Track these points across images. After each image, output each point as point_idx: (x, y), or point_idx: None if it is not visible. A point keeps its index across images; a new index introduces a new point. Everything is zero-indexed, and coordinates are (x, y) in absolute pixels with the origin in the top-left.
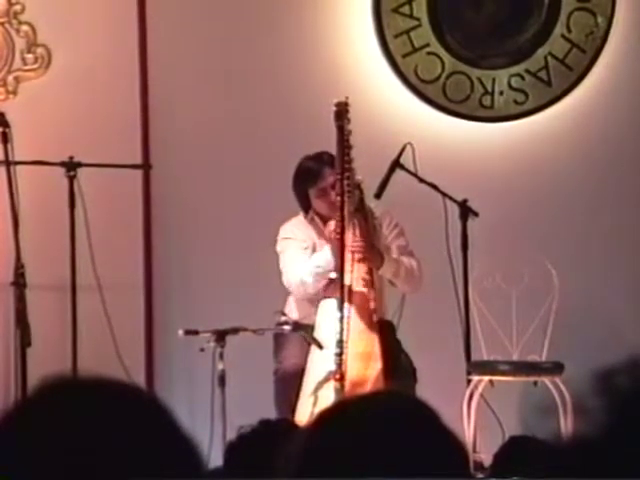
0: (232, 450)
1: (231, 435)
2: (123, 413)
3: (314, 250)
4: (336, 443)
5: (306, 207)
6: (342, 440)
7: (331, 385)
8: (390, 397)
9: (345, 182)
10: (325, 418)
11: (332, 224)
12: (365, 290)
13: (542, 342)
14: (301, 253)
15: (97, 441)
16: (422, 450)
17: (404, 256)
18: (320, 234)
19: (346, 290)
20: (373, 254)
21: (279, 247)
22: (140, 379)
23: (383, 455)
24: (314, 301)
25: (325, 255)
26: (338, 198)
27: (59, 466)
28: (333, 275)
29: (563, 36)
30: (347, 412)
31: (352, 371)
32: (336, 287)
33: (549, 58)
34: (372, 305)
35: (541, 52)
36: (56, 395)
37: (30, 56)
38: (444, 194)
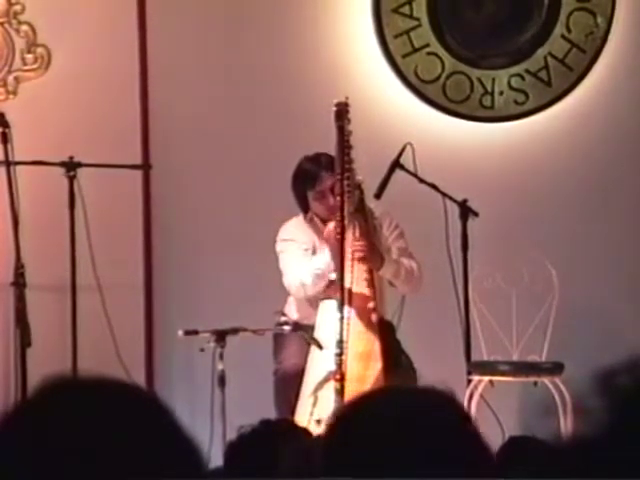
0: (232, 450)
1: (231, 435)
2: (124, 413)
3: (314, 251)
4: (361, 441)
5: (305, 208)
6: (366, 438)
7: (331, 385)
8: (421, 394)
9: (345, 182)
10: (345, 417)
11: (331, 225)
12: (365, 290)
13: (542, 342)
14: (301, 255)
15: (98, 441)
16: (448, 449)
17: (404, 258)
18: (319, 234)
19: (346, 290)
20: (373, 254)
21: (279, 248)
22: (140, 379)
23: (409, 453)
24: (314, 302)
25: (324, 257)
26: (338, 199)
27: (60, 466)
28: (333, 276)
29: (563, 36)
30: (369, 409)
31: (352, 371)
32: (336, 287)
33: (549, 58)
34: (372, 305)
35: (541, 52)
36: (57, 395)
37: (30, 56)
38: (444, 194)
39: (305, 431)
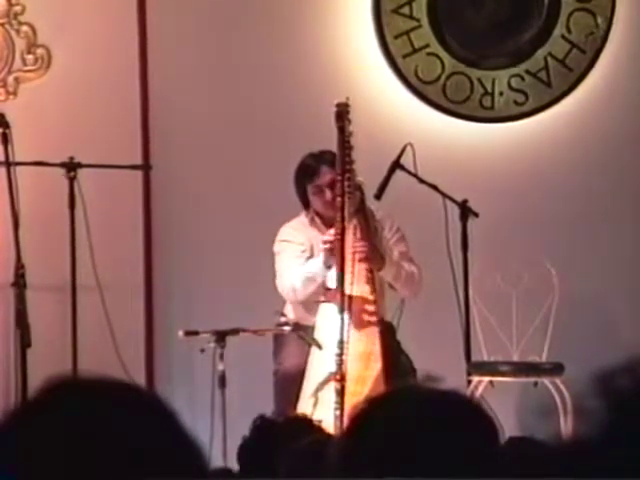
0: (248, 443)
1: (231, 436)
2: (125, 413)
3: (312, 253)
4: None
5: (306, 203)
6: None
7: (332, 386)
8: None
9: (346, 183)
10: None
11: (328, 234)
12: (366, 291)
13: (542, 343)
14: (296, 258)
15: (99, 441)
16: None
17: (405, 262)
18: (320, 233)
19: (347, 292)
20: (374, 255)
21: (276, 248)
22: (140, 379)
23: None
24: (309, 306)
25: (317, 263)
26: (338, 198)
27: (63, 466)
28: (331, 284)
29: (563, 37)
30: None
31: (352, 371)
32: (335, 293)
33: (549, 59)
34: (373, 306)
35: (541, 53)
36: (58, 395)
37: (30, 57)
38: (444, 195)
39: (320, 428)
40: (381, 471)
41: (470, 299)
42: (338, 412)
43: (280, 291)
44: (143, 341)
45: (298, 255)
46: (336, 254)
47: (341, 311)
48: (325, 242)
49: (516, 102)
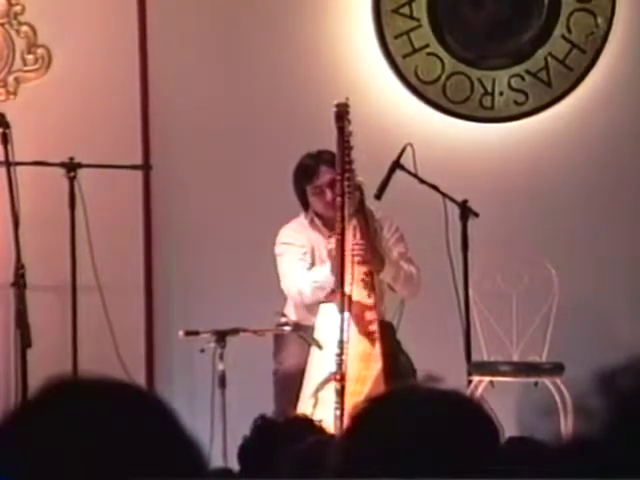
0: (248, 443)
1: (231, 436)
2: (125, 413)
3: (313, 254)
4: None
5: (305, 204)
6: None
7: (332, 386)
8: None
9: (345, 183)
10: (360, 420)
11: (333, 241)
12: (365, 293)
13: (542, 342)
14: (299, 260)
15: (99, 441)
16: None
17: (403, 262)
18: (320, 236)
19: (346, 292)
20: (374, 256)
21: (278, 250)
22: (140, 379)
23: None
24: (312, 307)
25: (325, 271)
26: (338, 198)
27: (63, 467)
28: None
29: (563, 37)
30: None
31: (352, 371)
32: (336, 294)
33: (549, 59)
34: (372, 307)
35: (541, 53)
36: (58, 395)
37: (30, 57)
38: (444, 195)
39: (320, 428)
40: (381, 471)
41: (470, 299)
42: (338, 412)
43: (286, 293)
44: (143, 341)
45: (300, 258)
46: (336, 270)
47: (341, 311)
48: (332, 249)
49: (516, 102)
